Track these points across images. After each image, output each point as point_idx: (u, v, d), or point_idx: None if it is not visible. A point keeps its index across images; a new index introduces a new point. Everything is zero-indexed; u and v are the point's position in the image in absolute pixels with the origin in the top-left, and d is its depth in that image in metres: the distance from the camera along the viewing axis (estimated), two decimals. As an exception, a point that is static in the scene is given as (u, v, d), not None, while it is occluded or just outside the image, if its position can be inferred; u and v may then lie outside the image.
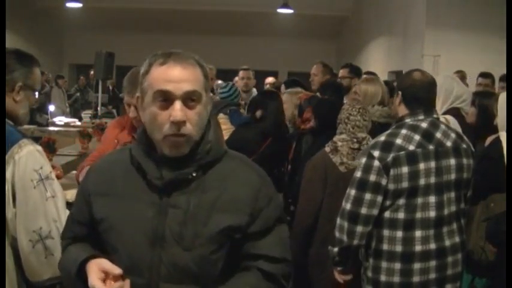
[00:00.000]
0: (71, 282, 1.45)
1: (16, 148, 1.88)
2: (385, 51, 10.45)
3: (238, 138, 3.59)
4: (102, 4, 12.90)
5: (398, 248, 2.28)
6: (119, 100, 8.05)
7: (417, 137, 2.28)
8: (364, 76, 4.53)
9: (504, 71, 4.95)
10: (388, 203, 2.27)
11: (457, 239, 2.35)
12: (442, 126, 2.37)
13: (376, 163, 2.25)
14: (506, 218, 2.27)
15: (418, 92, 2.36)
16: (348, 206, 2.31)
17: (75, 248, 1.50)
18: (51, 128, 7.98)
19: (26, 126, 4.42)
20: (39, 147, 1.98)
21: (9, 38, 4.75)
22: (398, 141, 2.27)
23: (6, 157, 1.86)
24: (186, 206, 1.38)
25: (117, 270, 1.34)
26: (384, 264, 2.30)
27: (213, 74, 5.50)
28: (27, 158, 1.89)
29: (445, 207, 2.30)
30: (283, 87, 5.16)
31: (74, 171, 3.68)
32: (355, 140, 2.90)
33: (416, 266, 2.27)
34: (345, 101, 3.96)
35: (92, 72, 10.49)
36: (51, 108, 9.57)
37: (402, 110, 2.40)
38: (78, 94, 11.78)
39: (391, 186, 2.25)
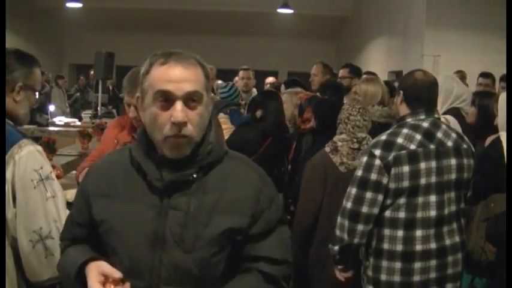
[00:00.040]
0: (70, 284, 1.43)
1: (16, 148, 1.88)
2: (385, 51, 10.45)
3: (238, 138, 3.59)
4: (102, 4, 12.90)
5: (399, 247, 2.28)
6: (119, 100, 8.04)
7: (418, 137, 2.29)
8: (364, 76, 4.53)
9: (504, 71, 4.94)
10: (388, 202, 2.28)
11: (457, 239, 2.35)
12: (443, 126, 2.38)
13: (377, 162, 2.25)
14: (506, 218, 2.27)
15: (419, 92, 2.36)
16: (348, 204, 2.31)
17: (74, 250, 1.48)
18: (51, 128, 7.99)
19: (26, 126, 4.43)
20: (39, 147, 1.98)
21: (9, 38, 4.76)
22: (400, 140, 2.28)
23: (6, 157, 1.86)
24: (187, 208, 1.36)
25: (117, 274, 1.32)
26: (385, 264, 2.31)
27: (213, 74, 5.50)
28: (27, 158, 1.88)
29: (446, 207, 2.31)
30: (283, 87, 5.16)
31: (74, 171, 3.68)
32: (355, 140, 2.90)
33: (417, 265, 2.28)
34: (345, 101, 3.97)
35: (92, 72, 10.49)
36: (51, 108, 9.57)
37: (403, 110, 2.41)
38: (78, 94, 11.78)
39: (392, 185, 2.25)
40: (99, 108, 8.99)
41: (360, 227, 2.29)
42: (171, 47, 1.42)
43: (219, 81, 5.91)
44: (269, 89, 5.91)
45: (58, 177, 2.69)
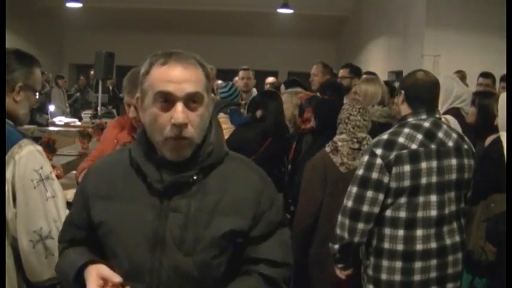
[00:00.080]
0: (68, 287, 1.41)
1: (16, 148, 1.88)
2: (385, 51, 10.45)
3: (238, 138, 3.59)
4: (102, 4, 12.90)
5: (400, 247, 2.28)
6: (119, 100, 8.04)
7: (420, 136, 2.29)
8: (364, 76, 4.53)
9: (504, 71, 4.94)
10: (389, 201, 2.28)
11: (457, 238, 2.36)
12: (444, 127, 2.38)
13: (379, 161, 2.25)
14: (506, 218, 2.27)
15: (420, 92, 2.36)
16: (349, 203, 2.31)
17: (73, 252, 1.46)
18: (51, 128, 7.99)
19: (26, 126, 4.43)
20: (39, 148, 1.97)
21: (9, 38, 4.76)
22: (401, 139, 2.28)
23: (7, 157, 1.86)
24: (187, 210, 1.34)
25: (116, 278, 1.30)
26: (385, 263, 2.31)
27: (213, 74, 5.49)
28: (27, 158, 1.88)
29: (446, 207, 2.31)
30: (283, 87, 5.16)
31: (74, 171, 3.68)
32: (355, 140, 2.90)
33: (418, 264, 2.28)
34: (345, 101, 3.97)
35: (92, 72, 10.51)
36: (51, 108, 9.57)
37: (405, 109, 2.41)
38: (78, 94, 11.78)
39: (393, 185, 2.25)
40: (99, 108, 8.99)
41: (361, 226, 2.29)
42: (171, 47, 1.40)
43: (219, 81, 5.91)
44: (269, 89, 5.91)
45: (58, 177, 2.68)
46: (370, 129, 3.00)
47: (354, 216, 2.29)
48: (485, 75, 5.89)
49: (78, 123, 8.66)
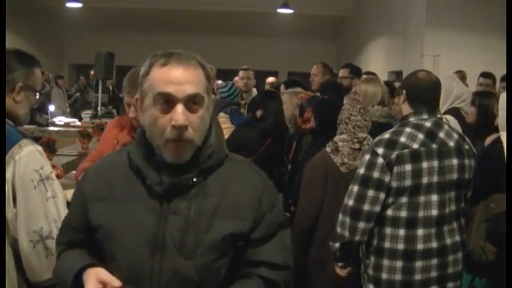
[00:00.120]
0: None
1: (16, 148, 1.88)
2: (385, 51, 10.45)
3: (238, 138, 3.59)
4: (102, 4, 12.91)
5: (400, 246, 2.28)
6: (119, 100, 8.03)
7: (421, 136, 2.29)
8: (364, 76, 4.53)
9: (504, 71, 4.94)
10: (390, 200, 2.28)
11: (457, 238, 2.36)
12: (445, 127, 2.38)
13: (380, 160, 2.26)
14: (506, 218, 2.27)
15: (422, 92, 2.37)
16: (350, 202, 2.31)
17: (71, 255, 1.44)
18: (51, 128, 7.99)
19: (26, 126, 4.42)
20: (40, 148, 1.97)
21: (9, 38, 4.75)
22: (403, 139, 2.28)
23: (7, 157, 1.86)
24: (187, 213, 1.32)
25: (116, 282, 1.28)
26: (386, 262, 2.31)
27: (213, 74, 5.49)
28: (27, 158, 1.88)
29: (447, 206, 2.31)
30: (283, 87, 5.16)
31: (74, 171, 3.69)
32: (355, 140, 2.90)
33: (418, 264, 2.28)
34: (345, 101, 3.97)
35: (92, 72, 10.51)
36: (51, 108, 9.57)
37: (406, 109, 2.41)
38: (78, 94, 11.78)
39: (394, 184, 2.26)
40: (99, 108, 8.99)
41: (361, 225, 2.29)
42: (171, 47, 1.39)
43: (219, 81, 5.91)
44: (269, 89, 5.91)
45: (58, 177, 2.69)
46: (370, 129, 3.00)
47: (354, 215, 2.29)
48: (485, 75, 5.89)
49: (78, 123, 8.66)
